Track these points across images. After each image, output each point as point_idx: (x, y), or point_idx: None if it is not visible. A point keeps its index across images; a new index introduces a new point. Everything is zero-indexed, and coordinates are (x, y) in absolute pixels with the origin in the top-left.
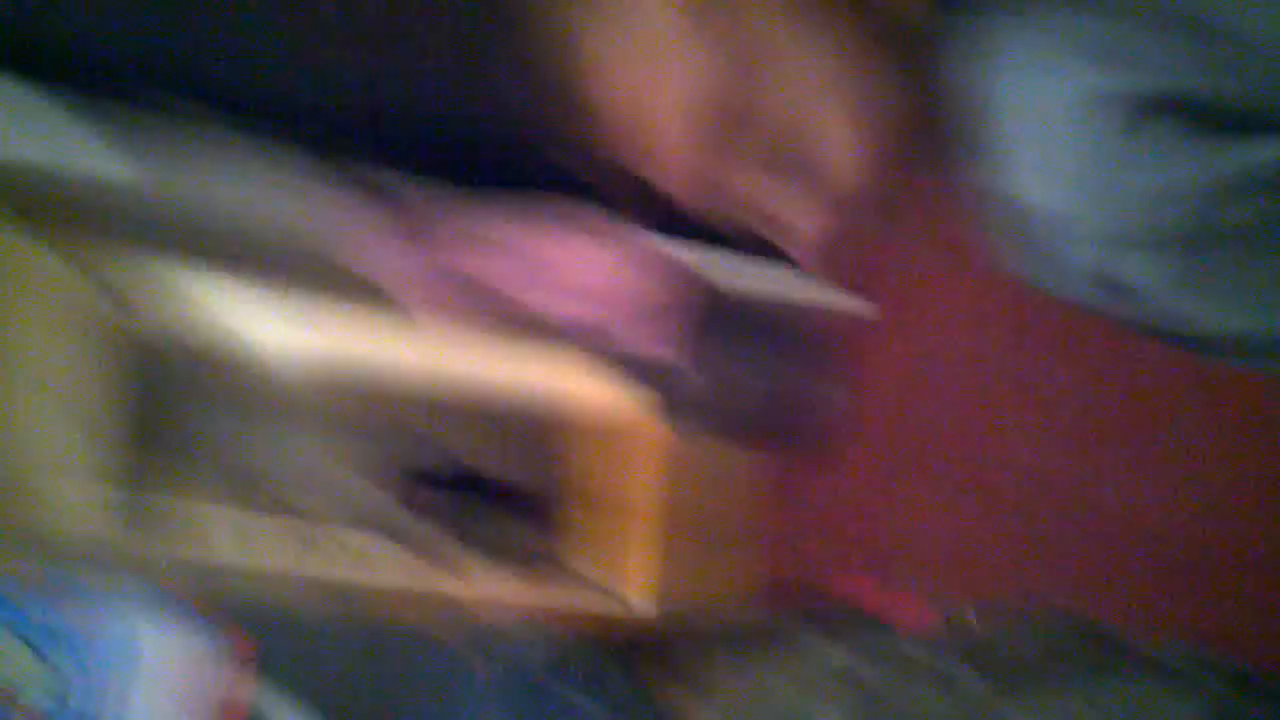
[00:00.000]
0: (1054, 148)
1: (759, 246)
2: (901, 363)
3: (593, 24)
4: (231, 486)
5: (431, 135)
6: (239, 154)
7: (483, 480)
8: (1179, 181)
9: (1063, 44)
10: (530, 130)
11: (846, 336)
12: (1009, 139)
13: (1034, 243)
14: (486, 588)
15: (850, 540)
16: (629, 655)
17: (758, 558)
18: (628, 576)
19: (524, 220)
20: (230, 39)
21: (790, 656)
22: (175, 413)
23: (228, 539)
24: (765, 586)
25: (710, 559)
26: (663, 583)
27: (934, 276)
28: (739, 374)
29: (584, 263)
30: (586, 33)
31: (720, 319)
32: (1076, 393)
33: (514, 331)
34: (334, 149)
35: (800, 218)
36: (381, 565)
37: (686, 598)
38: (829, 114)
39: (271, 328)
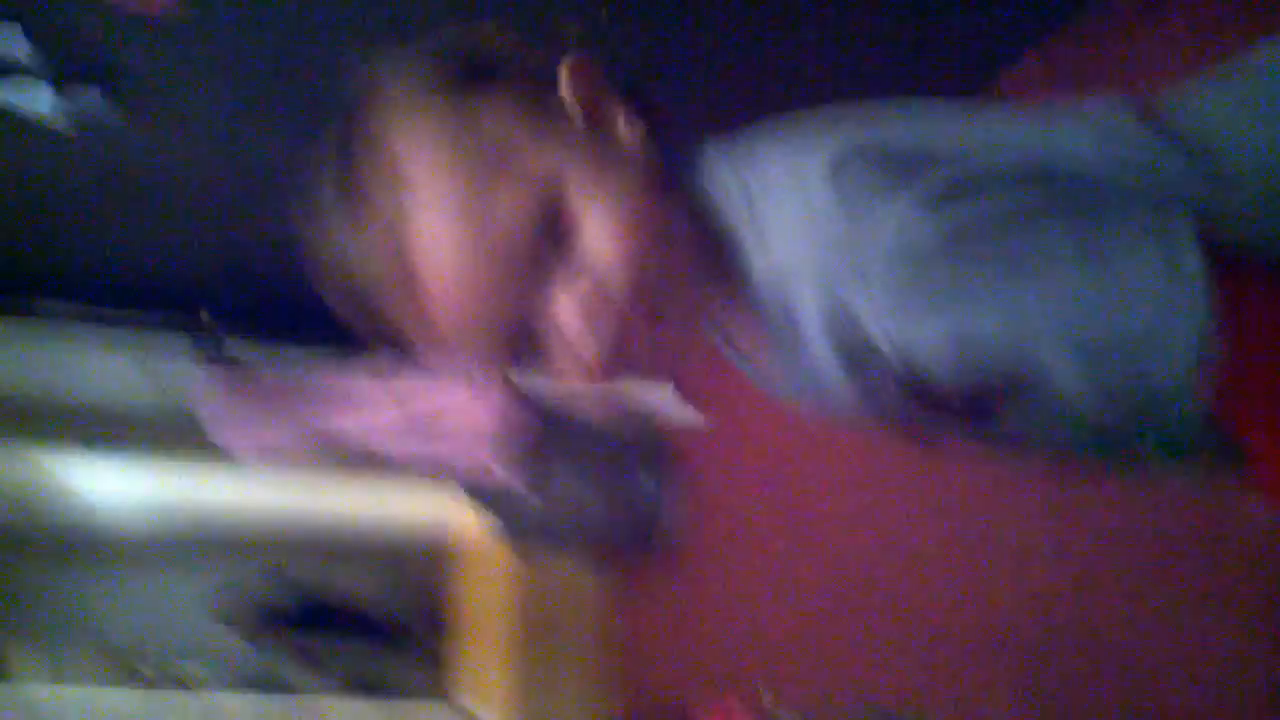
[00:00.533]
0: (791, 212)
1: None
2: (738, 469)
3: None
4: (81, 657)
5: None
6: (92, 340)
7: (335, 611)
8: (881, 215)
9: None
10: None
11: (683, 446)
12: (762, 222)
13: (786, 332)
14: (343, 716)
15: (695, 652)
16: None
17: (613, 673)
18: (484, 697)
19: (360, 371)
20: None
21: None
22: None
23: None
24: (622, 704)
25: (565, 676)
26: (518, 702)
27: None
28: (576, 491)
29: (422, 401)
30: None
31: (555, 439)
32: (916, 495)
33: (363, 469)
34: (182, 324)
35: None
36: (232, 711)
37: (542, 716)
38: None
39: (114, 487)
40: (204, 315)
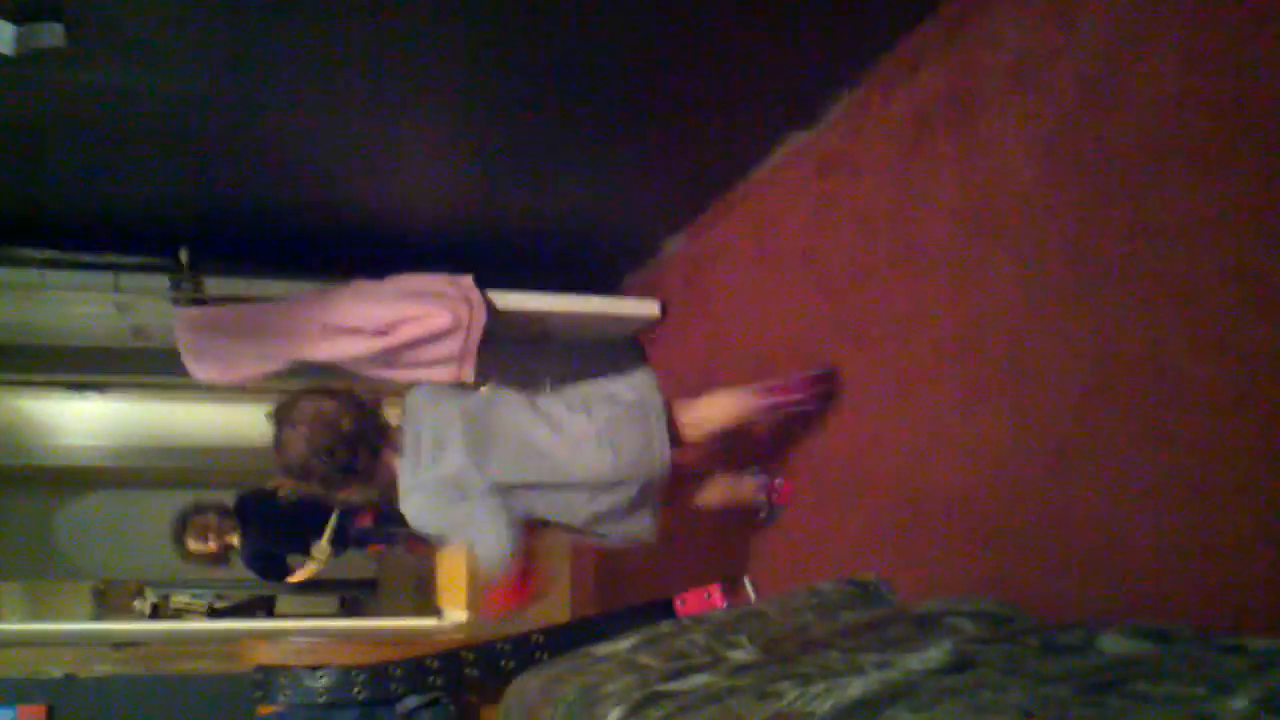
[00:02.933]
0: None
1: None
2: (685, 356)
3: None
4: (27, 559)
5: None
6: (71, 284)
7: (299, 517)
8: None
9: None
10: None
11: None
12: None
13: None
14: (310, 620)
15: (680, 550)
16: (446, 663)
17: (597, 571)
18: (445, 596)
19: (338, 302)
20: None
21: (584, 654)
22: None
23: (20, 610)
24: (583, 594)
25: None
26: (473, 602)
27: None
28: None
29: (403, 330)
30: None
31: (513, 342)
32: (857, 375)
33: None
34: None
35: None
36: (177, 617)
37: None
38: None
39: (95, 425)
40: (182, 254)
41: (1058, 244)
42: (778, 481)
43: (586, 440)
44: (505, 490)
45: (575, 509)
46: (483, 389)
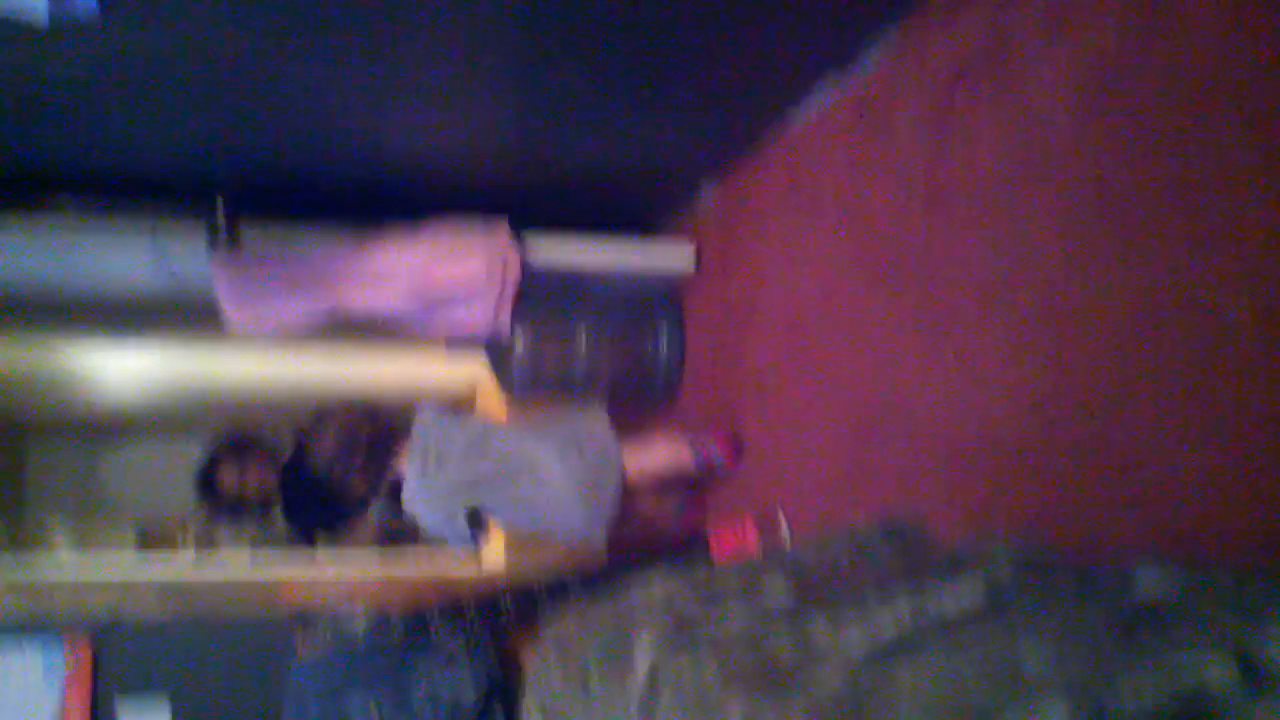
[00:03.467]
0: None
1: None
2: (721, 307)
3: None
4: (74, 504)
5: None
6: (108, 231)
7: (336, 471)
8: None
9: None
10: None
11: (691, 298)
12: None
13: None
14: (350, 566)
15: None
16: (481, 606)
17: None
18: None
19: (372, 247)
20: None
21: (619, 595)
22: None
23: (69, 553)
24: (618, 533)
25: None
26: (511, 545)
27: (746, 233)
28: (584, 346)
29: (435, 271)
30: None
31: (549, 291)
32: (880, 318)
33: (368, 338)
34: (196, 211)
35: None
36: (218, 563)
37: (534, 556)
38: None
39: (133, 371)
40: (218, 203)
41: (1095, 191)
42: (713, 449)
43: (564, 497)
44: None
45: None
46: (480, 420)
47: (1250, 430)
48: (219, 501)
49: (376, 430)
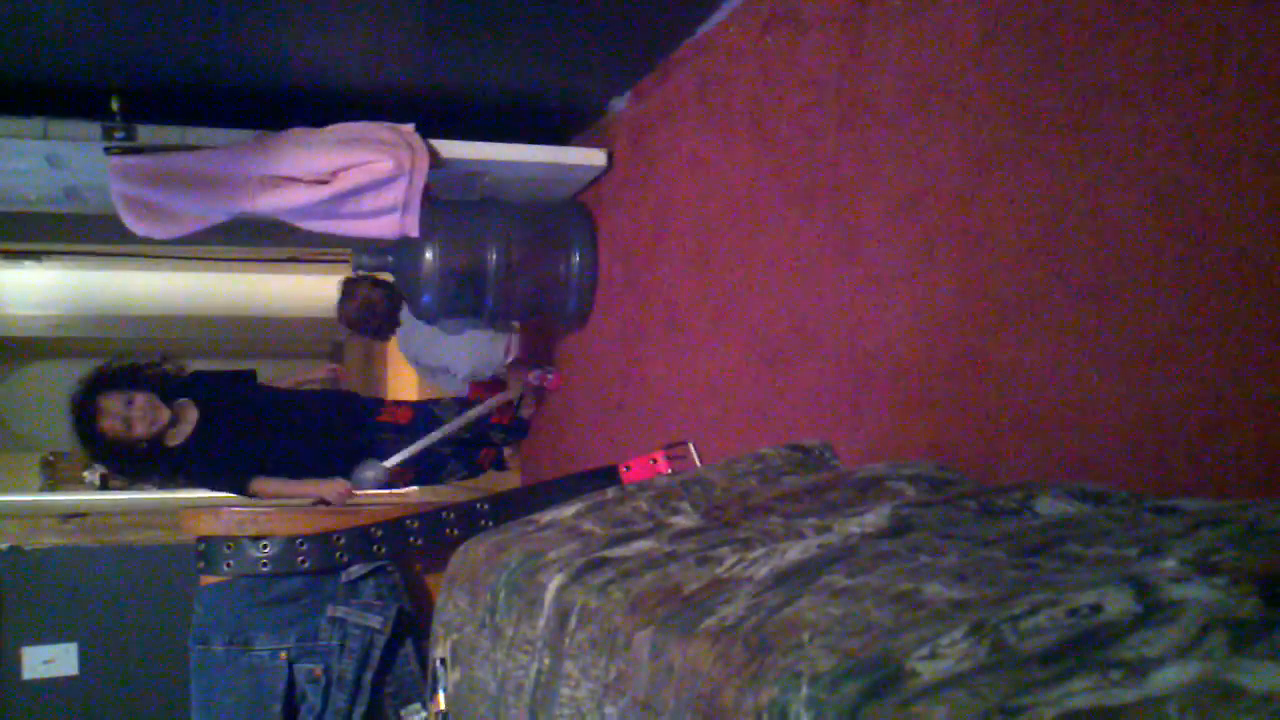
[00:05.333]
0: None
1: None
2: (633, 226)
3: None
4: None
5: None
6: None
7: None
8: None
9: None
10: None
11: (605, 219)
12: None
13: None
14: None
15: (625, 419)
16: (390, 531)
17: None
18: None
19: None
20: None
21: (528, 522)
22: None
23: None
24: (531, 463)
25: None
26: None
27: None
28: (481, 262)
29: (344, 179)
30: None
31: (458, 211)
32: (791, 238)
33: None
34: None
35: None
36: (125, 489)
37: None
38: None
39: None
40: (113, 102)
41: (1004, 104)
42: (549, 376)
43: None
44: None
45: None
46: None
47: (1148, 354)
48: (105, 451)
49: (389, 302)
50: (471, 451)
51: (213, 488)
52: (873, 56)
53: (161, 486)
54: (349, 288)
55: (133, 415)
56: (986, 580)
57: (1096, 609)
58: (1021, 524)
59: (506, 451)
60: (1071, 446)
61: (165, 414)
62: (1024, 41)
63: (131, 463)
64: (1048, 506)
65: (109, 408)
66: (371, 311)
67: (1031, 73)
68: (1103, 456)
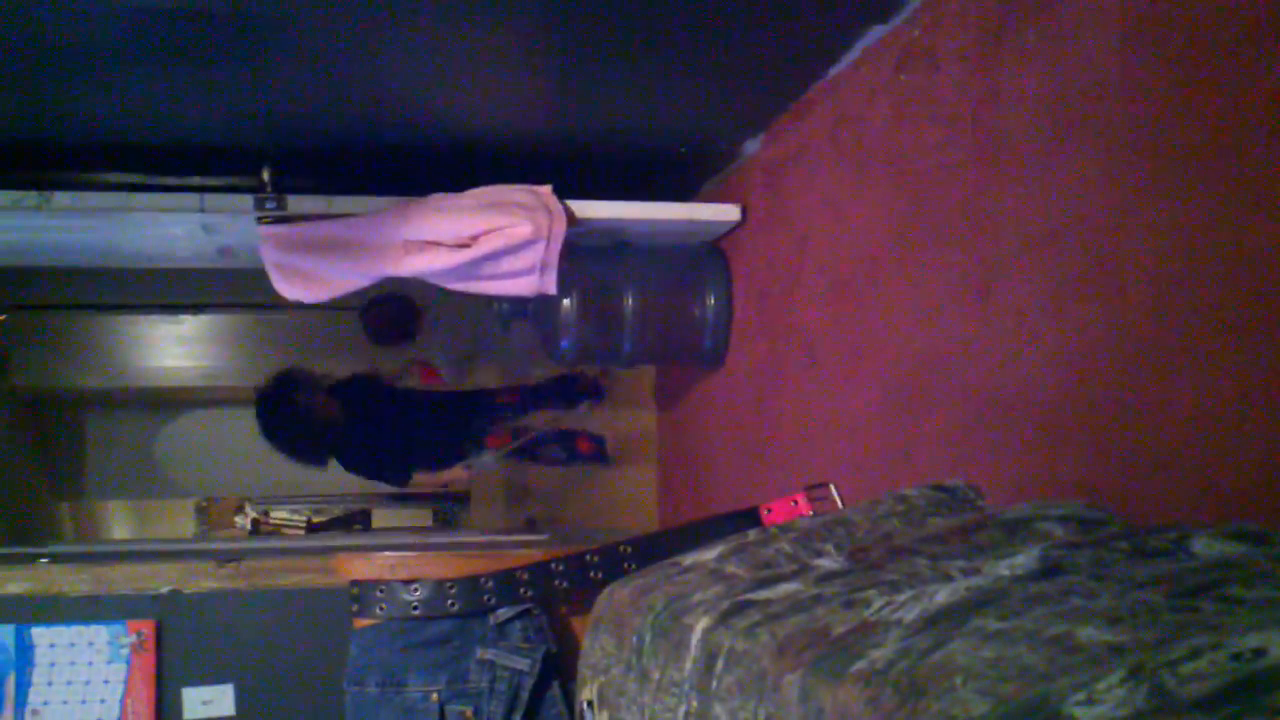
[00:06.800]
0: None
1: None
2: (768, 266)
3: None
4: (129, 480)
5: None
6: (156, 206)
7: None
8: None
9: None
10: None
11: (740, 263)
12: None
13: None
14: (403, 536)
15: (764, 458)
16: (536, 574)
17: (680, 480)
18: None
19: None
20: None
21: (672, 565)
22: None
23: (128, 528)
24: (671, 505)
25: (639, 482)
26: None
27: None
28: (618, 307)
29: (484, 244)
30: None
31: (594, 259)
32: (926, 274)
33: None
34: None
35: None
36: (273, 535)
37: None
38: None
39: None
40: (264, 173)
41: (1144, 136)
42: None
43: None
44: None
45: None
46: None
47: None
48: (288, 434)
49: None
50: (569, 437)
51: (372, 477)
52: (1009, 91)
53: (322, 466)
54: (371, 306)
55: (314, 404)
56: (1143, 623)
57: (1260, 652)
58: (1177, 565)
59: (609, 443)
60: (1228, 485)
61: (335, 405)
62: (1164, 72)
63: (306, 443)
64: (1204, 547)
65: (298, 399)
66: (390, 325)
67: (1173, 103)
68: (1261, 495)
